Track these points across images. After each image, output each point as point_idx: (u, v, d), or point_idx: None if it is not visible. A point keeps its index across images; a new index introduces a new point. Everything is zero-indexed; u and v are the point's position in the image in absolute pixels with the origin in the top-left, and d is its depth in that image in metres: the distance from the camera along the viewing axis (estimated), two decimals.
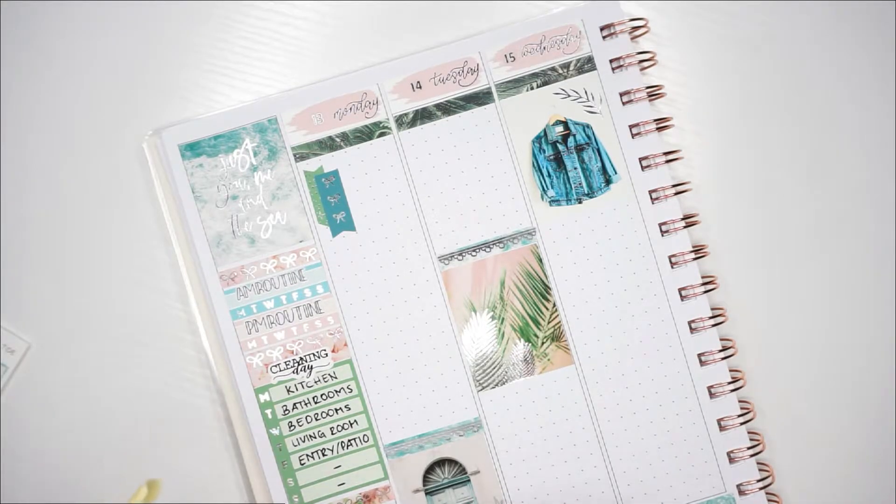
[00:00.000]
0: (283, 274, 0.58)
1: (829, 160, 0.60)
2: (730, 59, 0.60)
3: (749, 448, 0.58)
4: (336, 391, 0.58)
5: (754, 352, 0.60)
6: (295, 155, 0.58)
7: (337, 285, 0.58)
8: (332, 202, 0.58)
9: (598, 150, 0.59)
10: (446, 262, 0.59)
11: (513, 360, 0.58)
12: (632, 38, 0.59)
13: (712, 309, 0.59)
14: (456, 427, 0.58)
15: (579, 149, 0.59)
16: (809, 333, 0.60)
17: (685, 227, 0.59)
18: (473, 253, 0.59)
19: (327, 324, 0.58)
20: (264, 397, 0.58)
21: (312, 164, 0.59)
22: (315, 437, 0.58)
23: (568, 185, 0.59)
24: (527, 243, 0.59)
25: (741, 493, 0.58)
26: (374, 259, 0.58)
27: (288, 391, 0.58)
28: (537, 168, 0.59)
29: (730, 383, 0.58)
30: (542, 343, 0.58)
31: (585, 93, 0.59)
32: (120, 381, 0.59)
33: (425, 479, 0.58)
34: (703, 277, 0.59)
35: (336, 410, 0.58)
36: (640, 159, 0.59)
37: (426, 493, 0.58)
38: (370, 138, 0.59)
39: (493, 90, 0.59)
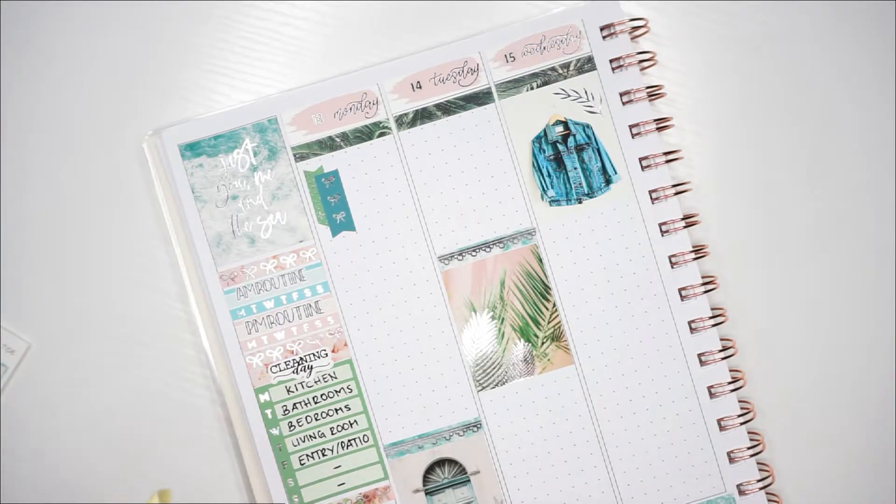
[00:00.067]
0: (283, 274, 0.58)
1: (829, 160, 0.60)
2: (730, 59, 0.60)
3: (749, 448, 0.58)
4: (336, 391, 0.58)
5: (754, 352, 0.60)
6: (295, 155, 0.58)
7: (337, 285, 0.58)
8: (332, 202, 0.59)
9: (598, 150, 0.59)
10: (446, 262, 0.59)
11: (513, 360, 0.58)
12: (632, 38, 0.59)
13: (712, 309, 0.59)
14: (456, 427, 0.58)
15: (579, 149, 0.59)
16: (809, 333, 0.60)
17: (685, 227, 0.59)
18: (473, 253, 0.59)
19: (327, 324, 0.58)
20: (264, 397, 0.58)
21: (312, 164, 0.59)
22: (315, 437, 0.58)
23: (568, 185, 0.59)
24: (527, 243, 0.59)
25: (741, 493, 0.58)
26: (374, 259, 0.58)
27: (288, 391, 0.58)
28: (537, 168, 0.59)
29: (730, 383, 0.58)
30: (542, 343, 0.58)
31: (585, 93, 0.59)
32: (120, 381, 0.59)
33: (425, 479, 0.58)
34: (703, 277, 0.59)
35: (336, 410, 0.58)
36: (640, 159, 0.59)
37: (426, 493, 0.58)
38: (370, 138, 0.59)
39: (493, 90, 0.59)
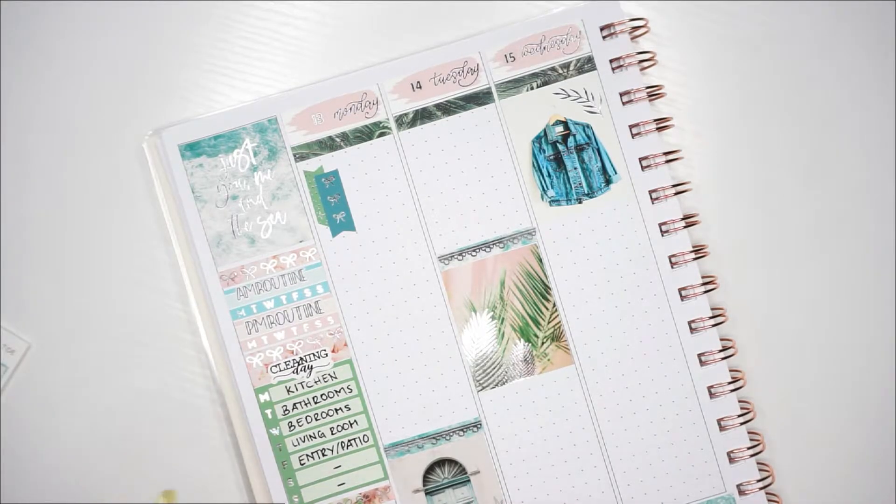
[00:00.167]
0: (283, 274, 0.58)
1: (829, 160, 0.60)
2: (730, 59, 0.60)
3: (749, 448, 0.58)
4: (336, 391, 0.58)
5: (754, 352, 0.60)
6: (295, 155, 0.58)
7: (337, 285, 0.58)
8: (332, 202, 0.58)
9: (598, 150, 0.59)
10: (446, 262, 0.59)
11: (513, 360, 0.58)
12: (632, 38, 0.59)
13: (712, 309, 0.59)
14: (456, 427, 0.58)
15: (579, 149, 0.59)
16: (809, 333, 0.60)
17: (685, 227, 0.59)
18: (473, 253, 0.59)
19: (327, 324, 0.58)
20: (264, 397, 0.58)
21: (312, 164, 0.59)
22: (315, 437, 0.58)
23: (568, 185, 0.59)
24: (527, 243, 0.59)
25: (741, 493, 0.58)
26: (374, 259, 0.58)
27: (288, 391, 0.58)
28: (537, 168, 0.59)
29: (730, 383, 0.58)
30: (542, 343, 0.58)
31: (585, 93, 0.59)
32: (120, 381, 0.59)
33: (425, 479, 0.58)
34: (703, 277, 0.59)
35: (336, 410, 0.58)
36: (640, 159, 0.59)
37: (426, 493, 0.58)
38: (370, 138, 0.59)
39: (493, 90, 0.59)
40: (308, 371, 0.58)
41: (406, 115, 0.59)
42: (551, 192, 0.59)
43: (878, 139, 0.60)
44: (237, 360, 0.58)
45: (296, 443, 0.58)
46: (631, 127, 0.59)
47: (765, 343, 0.60)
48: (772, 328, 0.60)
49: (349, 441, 0.58)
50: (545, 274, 0.59)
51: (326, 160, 0.58)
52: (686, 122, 0.60)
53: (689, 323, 0.58)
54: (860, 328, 0.60)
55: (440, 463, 0.58)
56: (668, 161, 0.59)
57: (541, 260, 0.59)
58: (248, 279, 0.58)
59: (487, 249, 0.59)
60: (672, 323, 0.58)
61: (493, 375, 0.58)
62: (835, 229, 0.60)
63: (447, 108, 0.59)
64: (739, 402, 0.59)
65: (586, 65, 0.59)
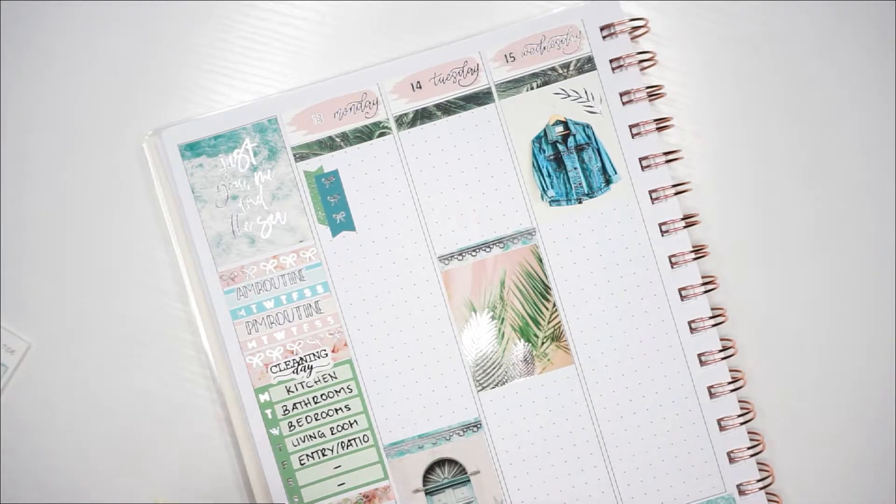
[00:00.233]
0: (283, 274, 0.58)
1: (829, 160, 0.60)
2: (730, 59, 0.60)
3: (749, 448, 0.58)
4: (336, 391, 0.58)
5: (754, 352, 0.60)
6: (295, 155, 0.58)
7: (337, 285, 0.58)
8: (332, 202, 0.59)
9: (598, 150, 0.59)
10: (446, 262, 0.59)
11: (513, 360, 0.58)
12: (632, 38, 0.59)
13: (712, 309, 0.59)
14: (456, 427, 0.58)
15: (579, 149, 0.59)
16: (809, 333, 0.60)
17: (685, 227, 0.59)
18: (473, 253, 0.59)
19: (327, 324, 0.58)
20: (264, 397, 0.58)
21: (312, 164, 0.59)
22: (315, 437, 0.58)
23: (568, 185, 0.59)
24: (527, 243, 0.59)
25: (741, 493, 0.58)
26: (374, 259, 0.58)
27: (288, 391, 0.58)
28: (537, 168, 0.59)
29: (730, 383, 0.58)
30: (542, 343, 0.58)
31: (585, 93, 0.59)
32: (120, 381, 0.59)
33: (425, 479, 0.58)
34: (703, 277, 0.59)
35: (336, 410, 0.58)
36: (640, 159, 0.59)
37: (426, 493, 0.58)
38: (370, 138, 0.59)
39: (493, 90, 0.59)
40: (308, 371, 0.58)
41: (406, 115, 0.59)
42: (551, 192, 0.59)
43: (878, 139, 0.60)
44: (237, 360, 0.58)
45: (296, 443, 0.58)
46: (631, 127, 0.59)
47: (765, 343, 0.60)
48: (772, 328, 0.60)
49: (349, 441, 0.58)
50: (545, 274, 0.59)
51: (326, 160, 0.59)
52: (686, 122, 0.60)
53: (689, 323, 0.58)
54: (860, 328, 0.60)
55: (440, 463, 0.58)
56: (668, 161, 0.59)
57: (541, 260, 0.59)
58: (248, 279, 0.58)
59: (487, 249, 0.59)
60: (672, 323, 0.58)
61: (493, 375, 0.58)
62: (835, 229, 0.60)
63: (447, 108, 0.59)
64: (739, 402, 0.59)
65: (586, 65, 0.59)
